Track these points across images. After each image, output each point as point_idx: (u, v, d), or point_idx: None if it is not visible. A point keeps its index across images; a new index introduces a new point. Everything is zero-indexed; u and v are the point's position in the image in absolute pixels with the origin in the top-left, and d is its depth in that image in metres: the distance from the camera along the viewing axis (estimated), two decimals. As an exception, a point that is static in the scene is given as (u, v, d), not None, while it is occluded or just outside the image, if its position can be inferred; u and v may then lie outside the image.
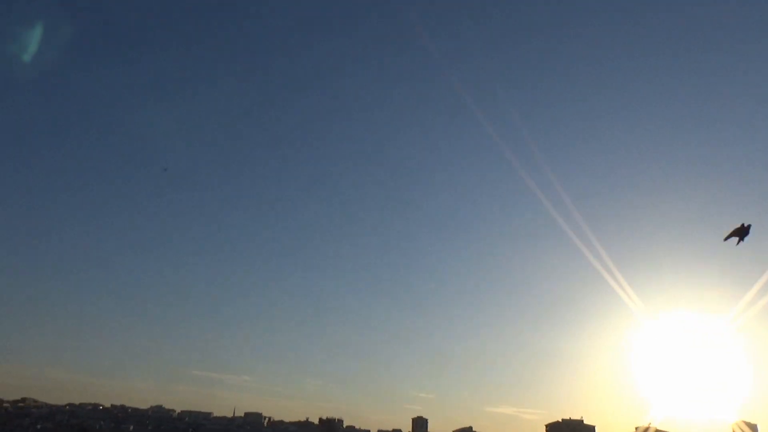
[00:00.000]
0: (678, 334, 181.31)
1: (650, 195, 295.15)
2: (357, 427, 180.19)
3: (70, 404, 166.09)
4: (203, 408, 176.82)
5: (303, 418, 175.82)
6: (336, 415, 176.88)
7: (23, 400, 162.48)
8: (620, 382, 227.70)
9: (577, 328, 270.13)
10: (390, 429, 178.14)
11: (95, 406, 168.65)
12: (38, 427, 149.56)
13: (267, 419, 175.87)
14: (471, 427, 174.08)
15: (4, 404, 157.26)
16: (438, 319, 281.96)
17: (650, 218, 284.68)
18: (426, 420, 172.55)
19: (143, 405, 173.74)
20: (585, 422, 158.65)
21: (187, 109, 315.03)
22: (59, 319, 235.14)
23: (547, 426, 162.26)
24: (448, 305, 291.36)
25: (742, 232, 38.50)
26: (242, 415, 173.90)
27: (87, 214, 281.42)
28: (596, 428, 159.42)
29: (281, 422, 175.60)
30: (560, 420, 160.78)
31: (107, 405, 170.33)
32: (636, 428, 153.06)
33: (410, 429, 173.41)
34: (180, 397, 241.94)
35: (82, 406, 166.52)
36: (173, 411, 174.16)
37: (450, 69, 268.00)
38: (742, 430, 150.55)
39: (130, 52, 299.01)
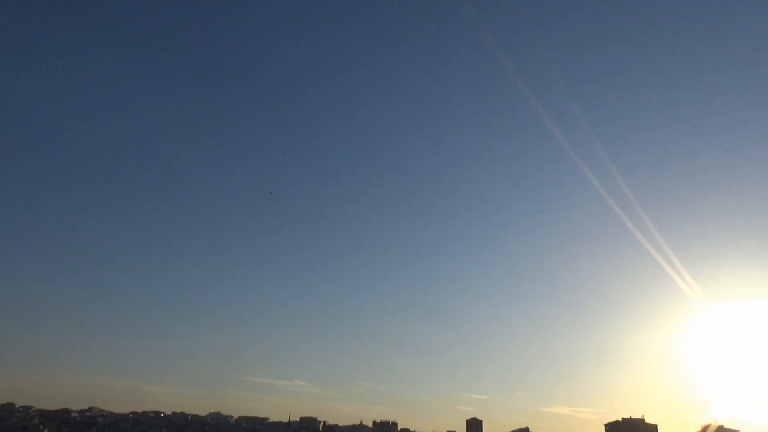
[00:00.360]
0: (744, 325, 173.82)
1: (712, 175, 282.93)
2: (411, 429, 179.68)
3: (133, 412, 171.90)
4: (259, 413, 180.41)
5: (357, 422, 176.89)
6: (390, 418, 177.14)
7: (90, 409, 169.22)
8: (680, 377, 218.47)
9: (633, 322, 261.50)
10: (444, 431, 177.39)
11: (157, 413, 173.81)
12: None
13: (322, 423, 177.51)
14: (527, 428, 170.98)
15: (73, 413, 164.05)
16: (489, 318, 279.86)
17: (713, 200, 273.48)
18: (480, 421, 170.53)
19: (202, 412, 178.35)
20: (647, 421, 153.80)
21: (198, 108, 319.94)
22: (125, 331, 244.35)
23: (606, 425, 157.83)
24: (499, 304, 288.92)
25: None
26: (297, 419, 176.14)
27: (133, 223, 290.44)
28: (658, 427, 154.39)
29: (336, 426, 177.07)
30: (620, 419, 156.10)
31: (168, 412, 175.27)
32: (702, 427, 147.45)
33: (465, 431, 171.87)
34: (237, 404, 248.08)
35: (144, 413, 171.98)
36: (231, 417, 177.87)
37: (500, 50, 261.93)
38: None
39: (132, 49, 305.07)
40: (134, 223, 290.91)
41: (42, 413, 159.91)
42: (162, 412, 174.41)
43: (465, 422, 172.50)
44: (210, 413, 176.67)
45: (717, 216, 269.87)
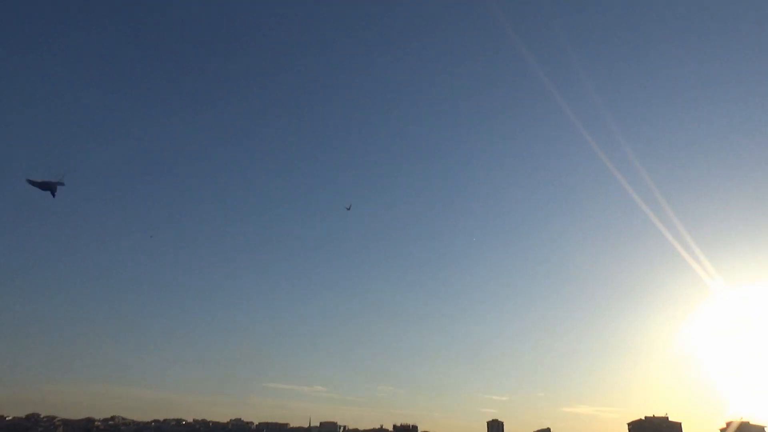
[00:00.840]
0: (763, 311, 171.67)
1: (731, 160, 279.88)
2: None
3: (155, 420, 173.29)
4: (280, 419, 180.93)
5: (377, 426, 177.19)
6: (410, 421, 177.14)
7: (113, 418, 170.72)
8: (701, 372, 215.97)
9: (652, 317, 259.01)
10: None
11: (178, 421, 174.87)
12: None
13: (342, 428, 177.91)
14: (549, 429, 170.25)
15: (96, 422, 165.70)
16: (508, 320, 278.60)
17: (737, 196, 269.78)
18: (501, 423, 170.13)
19: (223, 418, 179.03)
20: (670, 419, 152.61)
21: (215, 111, 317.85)
22: (146, 341, 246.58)
23: (629, 424, 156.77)
24: (518, 306, 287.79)
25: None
26: (318, 424, 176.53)
27: (153, 241, 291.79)
28: (682, 425, 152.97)
29: (356, 430, 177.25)
30: (643, 418, 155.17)
31: (189, 419, 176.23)
32: (727, 423, 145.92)
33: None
34: (257, 410, 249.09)
35: (166, 421, 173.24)
36: (251, 423, 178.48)
37: (523, 44, 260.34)
38: None
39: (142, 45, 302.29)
40: (154, 233, 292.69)
41: (66, 422, 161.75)
42: (183, 420, 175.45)
43: (486, 424, 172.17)
44: (231, 420, 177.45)
45: (735, 201, 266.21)
